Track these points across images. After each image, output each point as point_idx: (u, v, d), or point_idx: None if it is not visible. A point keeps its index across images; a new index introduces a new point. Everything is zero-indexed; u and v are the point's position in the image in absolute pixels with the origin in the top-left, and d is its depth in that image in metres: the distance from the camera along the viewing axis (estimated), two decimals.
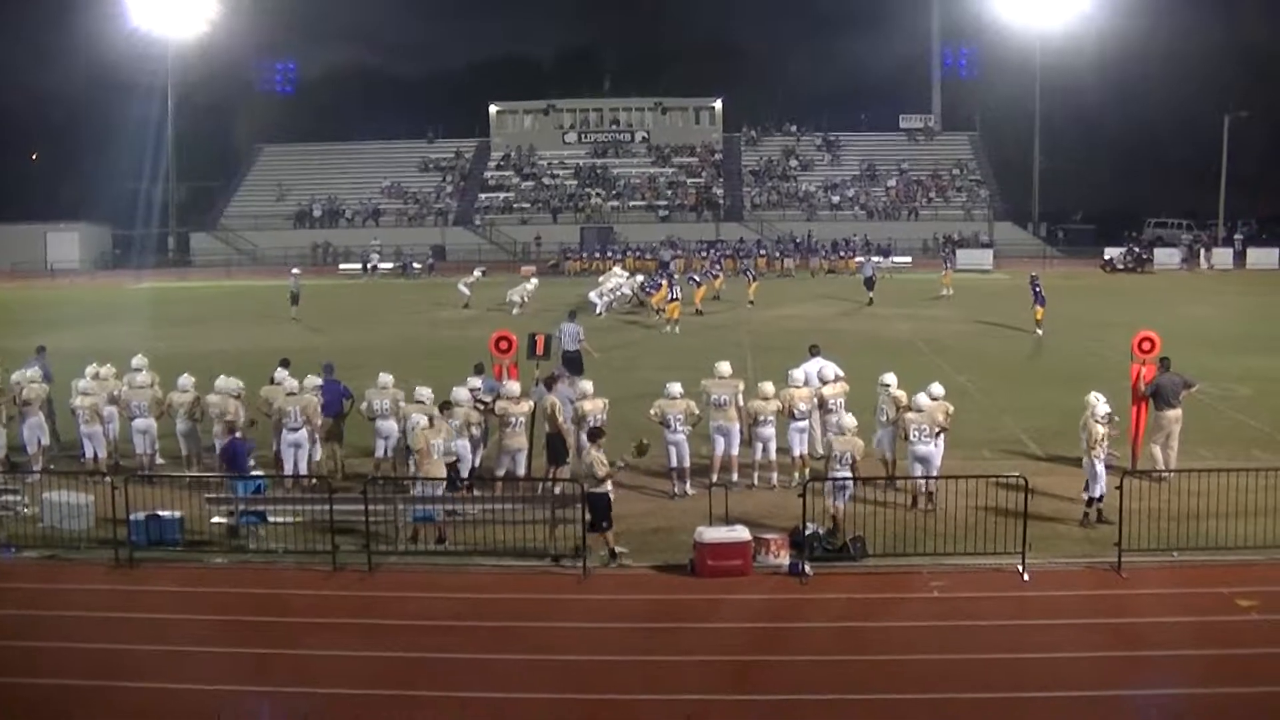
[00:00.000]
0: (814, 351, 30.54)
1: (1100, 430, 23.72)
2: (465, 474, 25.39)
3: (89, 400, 28.07)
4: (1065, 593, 20.95)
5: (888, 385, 26.86)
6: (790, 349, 36.97)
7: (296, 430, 26.69)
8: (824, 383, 27.97)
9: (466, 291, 66.12)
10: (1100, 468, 23.73)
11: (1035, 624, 19.80)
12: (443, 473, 23.81)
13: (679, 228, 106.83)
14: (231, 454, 24.73)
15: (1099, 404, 24.13)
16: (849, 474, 23.48)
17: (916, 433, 25.22)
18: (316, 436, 27.36)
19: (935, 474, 25.07)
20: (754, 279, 66.90)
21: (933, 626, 19.58)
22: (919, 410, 25.46)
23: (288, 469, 26.68)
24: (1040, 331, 51.28)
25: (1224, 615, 19.72)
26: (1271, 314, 59.98)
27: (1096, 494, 23.71)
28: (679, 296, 56.59)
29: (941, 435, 25.48)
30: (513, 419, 25.93)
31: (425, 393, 26.46)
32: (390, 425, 26.90)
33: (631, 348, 48.64)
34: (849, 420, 24.63)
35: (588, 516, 21.99)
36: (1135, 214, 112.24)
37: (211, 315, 64.33)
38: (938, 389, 26.15)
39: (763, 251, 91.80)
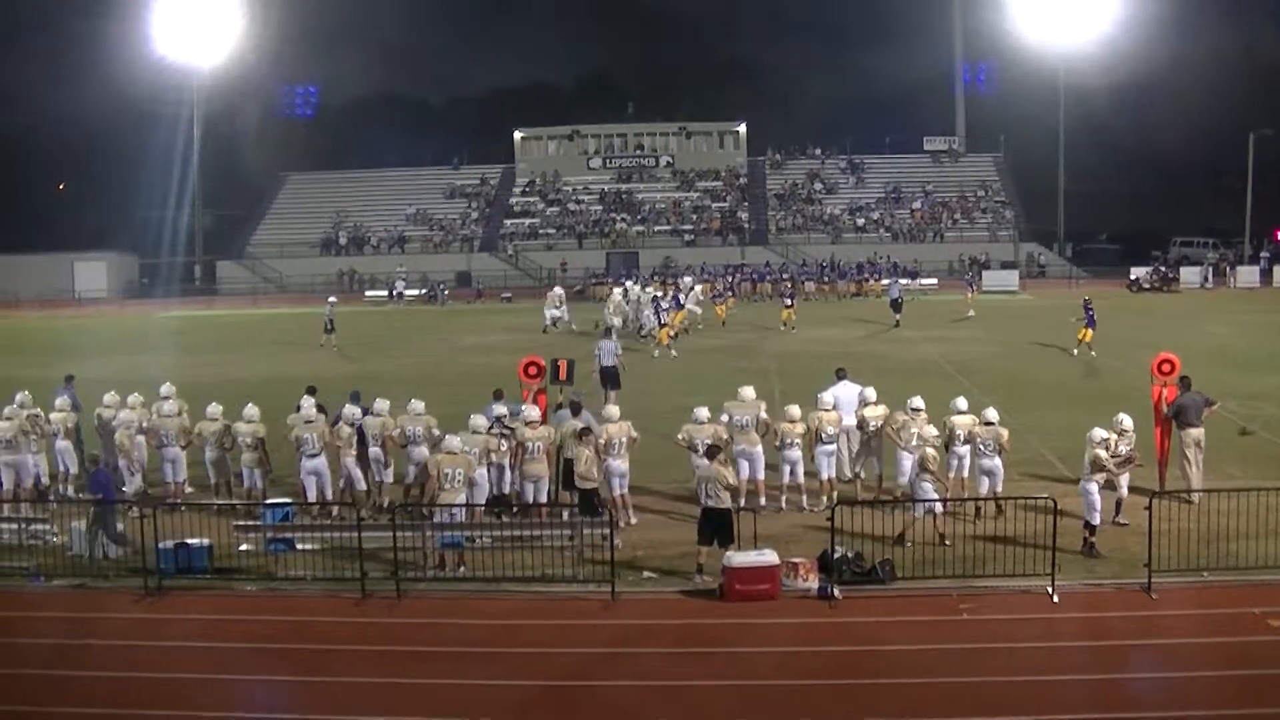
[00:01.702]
0: (841, 375, 30.49)
1: (1101, 455, 23.64)
2: (482, 501, 25.31)
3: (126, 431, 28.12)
4: (1095, 614, 20.87)
5: (919, 410, 26.82)
6: (816, 373, 36.92)
7: (315, 457, 26.74)
8: (864, 404, 27.90)
9: (555, 314, 65.56)
10: (1095, 497, 23.60)
11: (1065, 646, 19.74)
12: (461, 499, 23.77)
13: (704, 252, 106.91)
14: (99, 484, 24.72)
15: (1095, 431, 24.09)
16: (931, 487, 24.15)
17: (983, 446, 25.73)
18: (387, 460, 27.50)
19: (999, 488, 25.62)
20: (791, 302, 65.94)
21: (962, 649, 19.53)
22: (988, 424, 25.83)
23: (311, 496, 26.74)
24: (1094, 353, 51.16)
25: (1256, 636, 19.60)
26: None
27: (1096, 521, 23.61)
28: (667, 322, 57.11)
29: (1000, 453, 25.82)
30: (530, 445, 25.87)
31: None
32: (422, 451, 26.86)
33: (654, 371, 48.62)
34: (930, 430, 25.47)
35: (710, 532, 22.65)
36: (1160, 233, 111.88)
37: (239, 343, 64.43)
38: (992, 413, 26.24)
39: (774, 275, 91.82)
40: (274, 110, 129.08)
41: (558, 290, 69.64)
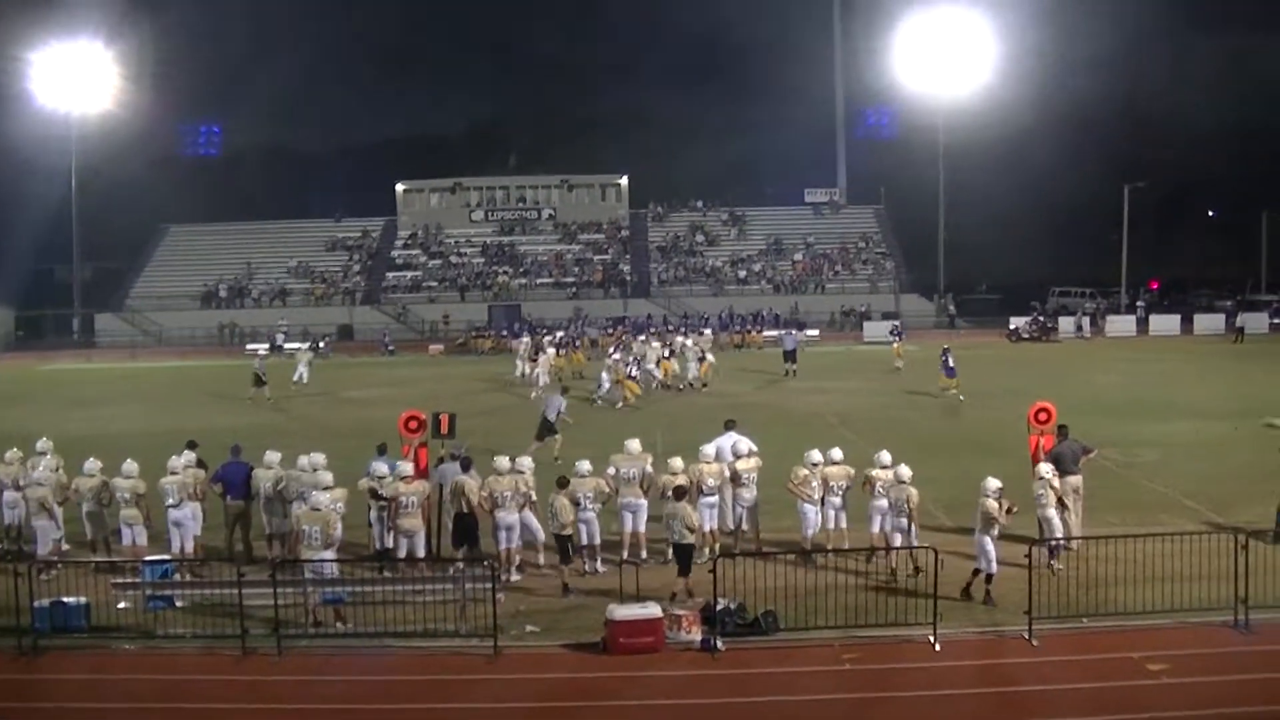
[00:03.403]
0: (730, 426, 30.60)
1: (994, 505, 23.83)
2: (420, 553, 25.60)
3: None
4: (977, 662, 21.03)
5: (818, 464, 26.95)
6: (702, 423, 36.99)
7: (178, 508, 26.52)
8: (737, 457, 28.01)
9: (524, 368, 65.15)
10: (990, 546, 23.77)
11: (947, 694, 19.84)
12: (325, 555, 23.51)
13: (586, 304, 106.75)
14: None
15: (990, 480, 24.29)
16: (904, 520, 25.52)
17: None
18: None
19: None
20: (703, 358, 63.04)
21: (846, 699, 19.59)
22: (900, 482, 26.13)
23: (174, 547, 26.41)
24: (961, 398, 52.60)
25: (1135, 680, 19.86)
26: (1173, 380, 60.72)
27: (993, 570, 23.75)
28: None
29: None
30: (405, 499, 25.76)
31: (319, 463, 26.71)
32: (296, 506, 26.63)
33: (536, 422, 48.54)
34: (906, 471, 25.87)
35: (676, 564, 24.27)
36: (1040, 283, 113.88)
37: (117, 397, 63.50)
38: (905, 471, 26.35)
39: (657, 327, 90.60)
40: (177, 150, 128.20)
41: (525, 340, 70.44)
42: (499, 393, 60.92)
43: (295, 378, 62.51)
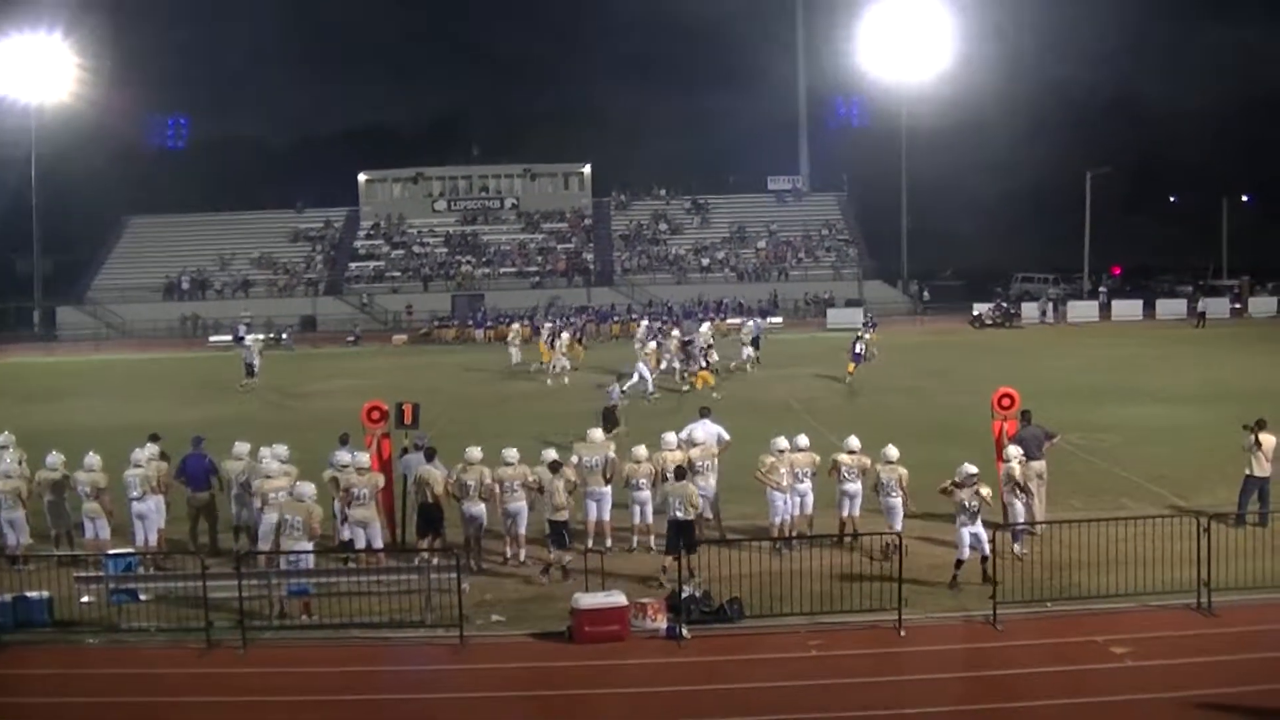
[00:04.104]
0: (704, 413, 30.76)
1: (963, 493, 23.90)
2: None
3: None
4: (942, 647, 21.10)
5: (784, 451, 27.06)
6: (671, 413, 37.01)
7: (141, 501, 26.53)
8: (692, 445, 28.07)
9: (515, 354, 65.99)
10: (965, 533, 23.84)
11: (913, 679, 19.92)
12: (303, 547, 23.46)
13: (550, 294, 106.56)
14: None
15: (965, 466, 24.38)
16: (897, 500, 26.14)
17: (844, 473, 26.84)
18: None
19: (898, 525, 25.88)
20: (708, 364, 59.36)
21: (811, 685, 19.60)
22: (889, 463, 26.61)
23: (138, 540, 26.41)
24: (848, 380, 54.85)
25: (1100, 664, 19.94)
26: (1135, 365, 60.94)
27: (965, 556, 23.83)
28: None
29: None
30: (357, 490, 25.72)
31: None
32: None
33: (507, 411, 48.49)
34: (893, 451, 26.61)
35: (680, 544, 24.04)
36: (1005, 270, 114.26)
37: (80, 390, 63.14)
38: (892, 451, 26.83)
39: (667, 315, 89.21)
40: (144, 142, 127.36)
41: (547, 326, 69.87)
42: (507, 382, 60.79)
43: (247, 370, 61.88)
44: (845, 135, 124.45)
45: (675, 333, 63.03)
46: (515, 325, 72.25)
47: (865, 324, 71.54)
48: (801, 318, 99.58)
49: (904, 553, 22.50)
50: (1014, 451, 26.09)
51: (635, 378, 52.64)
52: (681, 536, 24.38)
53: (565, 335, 63.85)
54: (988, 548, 23.44)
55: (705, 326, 64.46)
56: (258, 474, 26.58)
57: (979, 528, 23.69)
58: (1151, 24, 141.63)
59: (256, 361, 61.58)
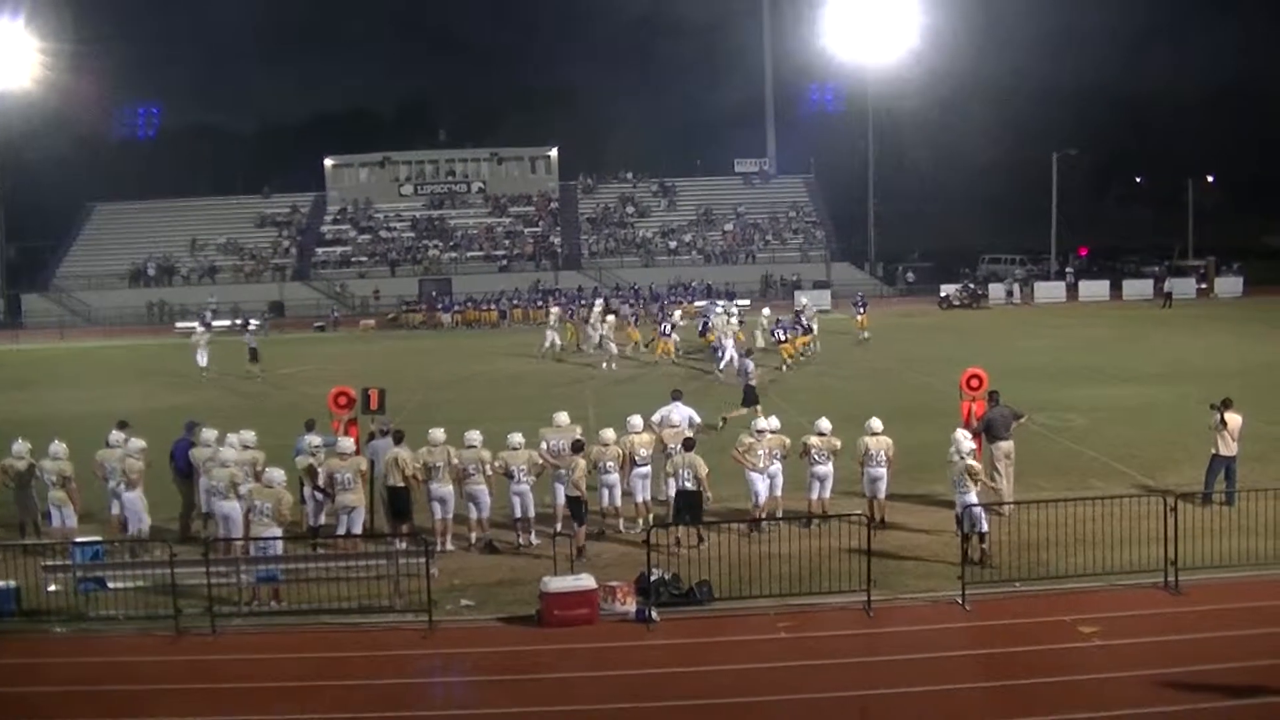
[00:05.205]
0: (676, 396, 30.82)
1: (976, 466, 23.98)
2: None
3: None
4: (910, 628, 21.11)
5: (763, 432, 27.06)
6: (634, 396, 36.95)
7: (130, 490, 26.26)
8: (666, 426, 28.18)
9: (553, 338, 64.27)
10: (979, 507, 23.76)
11: (882, 660, 19.94)
12: (272, 532, 23.36)
13: (518, 277, 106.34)
14: None
15: (964, 441, 24.42)
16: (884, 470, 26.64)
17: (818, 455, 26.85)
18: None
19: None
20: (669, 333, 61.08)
21: (781, 667, 19.59)
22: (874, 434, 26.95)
23: (131, 529, 26.20)
24: (786, 366, 54.27)
25: (1068, 643, 19.98)
26: (1102, 345, 61.15)
27: (984, 529, 23.66)
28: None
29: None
30: (340, 476, 25.57)
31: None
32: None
33: (469, 396, 48.39)
34: (877, 423, 27.05)
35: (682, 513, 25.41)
36: (974, 252, 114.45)
37: (46, 379, 62.82)
38: (876, 423, 27.11)
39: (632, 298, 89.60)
40: (112, 132, 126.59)
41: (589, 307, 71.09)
42: (475, 364, 61.10)
43: (199, 360, 61.22)
44: (814, 119, 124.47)
45: (677, 313, 63.98)
46: (555, 309, 71.01)
47: (856, 304, 71.02)
48: (770, 300, 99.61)
49: (873, 531, 22.52)
50: (966, 447, 25.11)
51: (725, 356, 52.68)
52: (687, 506, 25.23)
53: (611, 318, 63.92)
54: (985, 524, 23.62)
55: (805, 299, 65.19)
56: (215, 461, 26.45)
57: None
58: (1119, 7, 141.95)
59: (203, 355, 60.96)
